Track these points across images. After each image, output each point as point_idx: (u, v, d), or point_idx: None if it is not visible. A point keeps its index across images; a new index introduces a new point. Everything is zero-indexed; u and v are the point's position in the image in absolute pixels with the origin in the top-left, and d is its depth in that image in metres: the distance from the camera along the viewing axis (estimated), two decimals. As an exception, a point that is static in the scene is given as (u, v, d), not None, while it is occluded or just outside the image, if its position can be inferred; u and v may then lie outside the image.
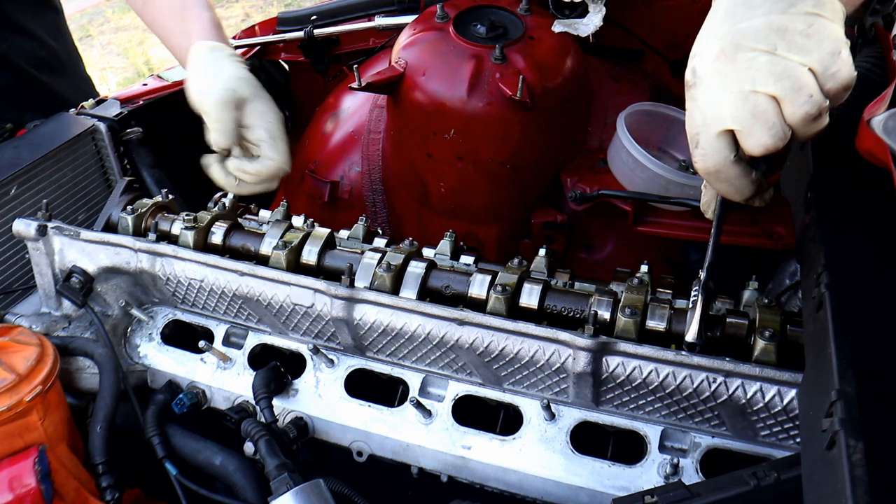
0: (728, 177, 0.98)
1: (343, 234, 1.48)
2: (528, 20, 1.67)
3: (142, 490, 1.40)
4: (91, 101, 1.94)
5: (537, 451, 1.22)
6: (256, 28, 2.34)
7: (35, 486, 1.14)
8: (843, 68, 0.89)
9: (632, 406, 1.18)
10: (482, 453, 1.24)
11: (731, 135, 0.94)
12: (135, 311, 1.48)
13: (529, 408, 1.25)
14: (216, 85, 1.42)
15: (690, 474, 1.15)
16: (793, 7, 0.88)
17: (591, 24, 1.68)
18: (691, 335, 1.08)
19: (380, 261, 1.30)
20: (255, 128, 1.45)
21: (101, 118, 1.85)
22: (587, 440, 1.22)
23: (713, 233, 1.10)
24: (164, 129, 2.04)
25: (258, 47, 2.25)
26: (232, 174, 1.49)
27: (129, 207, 1.46)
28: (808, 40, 0.87)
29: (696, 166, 0.99)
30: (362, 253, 1.34)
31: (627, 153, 1.58)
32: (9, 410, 1.14)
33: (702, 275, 1.10)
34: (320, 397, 1.35)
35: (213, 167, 1.50)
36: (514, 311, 1.22)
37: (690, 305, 1.10)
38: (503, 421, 1.32)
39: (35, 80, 2.23)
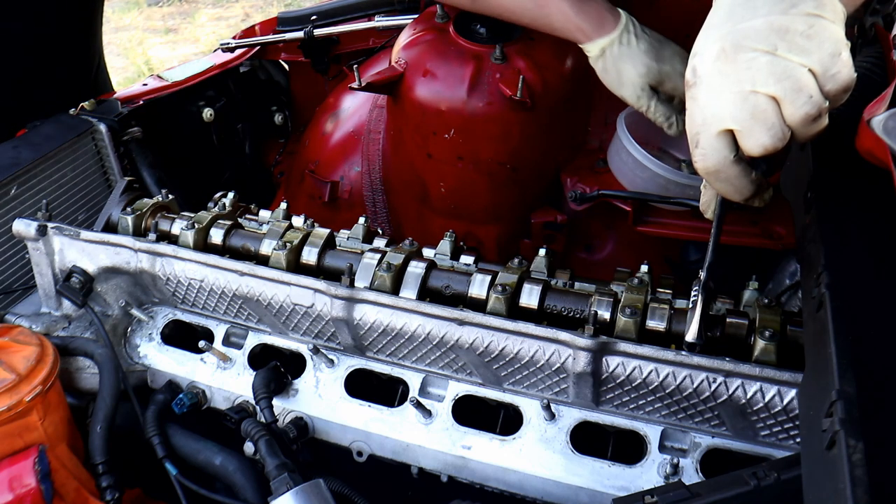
0: (728, 177, 0.98)
1: (343, 234, 1.48)
2: (528, 20, 1.67)
3: (142, 490, 1.40)
4: (91, 101, 1.94)
5: (537, 451, 1.22)
6: (256, 28, 2.34)
7: (35, 486, 1.14)
8: (844, 70, 0.89)
9: (632, 406, 1.18)
10: (482, 453, 1.24)
11: (731, 135, 0.94)
12: (135, 311, 1.48)
13: (529, 408, 1.25)
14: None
15: (690, 474, 1.15)
16: (794, 8, 0.88)
17: (591, 24, 1.67)
18: (691, 335, 1.08)
19: (380, 261, 1.30)
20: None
21: (101, 118, 1.85)
22: (587, 440, 1.22)
23: (713, 233, 1.10)
24: (164, 129, 2.04)
25: (258, 47, 2.25)
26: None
27: (129, 207, 1.46)
28: (808, 41, 0.87)
29: (696, 166, 0.99)
30: (362, 253, 1.34)
31: (627, 153, 1.58)
32: (9, 410, 1.14)
33: (702, 275, 1.10)
34: (320, 397, 1.35)
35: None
36: (514, 311, 1.22)
37: (690, 305, 1.10)
38: (503, 421, 1.32)
39: None
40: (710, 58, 0.93)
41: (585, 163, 1.72)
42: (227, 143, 2.25)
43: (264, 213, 1.58)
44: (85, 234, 1.41)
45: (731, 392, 1.08)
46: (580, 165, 1.71)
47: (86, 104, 1.92)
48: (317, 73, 2.30)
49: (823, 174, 1.11)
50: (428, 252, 1.41)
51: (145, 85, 2.08)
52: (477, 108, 1.57)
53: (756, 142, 0.92)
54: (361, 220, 1.49)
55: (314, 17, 2.19)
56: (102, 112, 1.89)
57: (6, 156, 1.66)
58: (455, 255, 1.41)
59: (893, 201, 0.94)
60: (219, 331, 1.46)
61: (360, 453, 1.32)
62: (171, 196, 1.57)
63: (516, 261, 1.32)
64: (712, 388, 1.09)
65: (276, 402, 1.34)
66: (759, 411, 1.08)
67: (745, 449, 1.16)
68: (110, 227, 1.48)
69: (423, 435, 1.27)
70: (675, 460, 1.15)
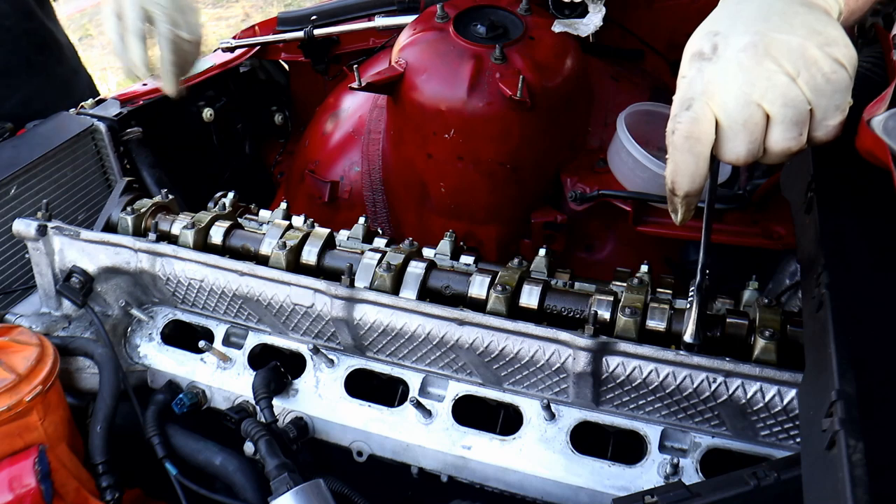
0: (700, 153, 0.91)
1: (343, 234, 1.48)
2: (528, 20, 1.67)
3: (142, 490, 1.40)
4: (91, 101, 1.94)
5: (537, 451, 1.22)
6: (256, 28, 2.33)
7: (35, 486, 1.14)
8: (836, 126, 0.89)
9: (632, 406, 1.18)
10: (482, 453, 1.24)
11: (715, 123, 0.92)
12: (135, 311, 1.48)
13: (529, 408, 1.25)
14: None
15: (690, 474, 1.15)
16: (828, 46, 0.87)
17: (591, 24, 1.68)
18: (689, 335, 1.08)
19: (380, 261, 1.30)
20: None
21: (101, 118, 1.85)
22: (587, 440, 1.22)
23: (704, 234, 1.09)
24: (164, 129, 2.04)
25: (258, 47, 2.25)
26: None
27: (129, 207, 1.46)
28: (826, 84, 0.87)
29: (680, 127, 0.91)
30: (362, 253, 1.34)
31: (627, 153, 1.58)
32: (9, 410, 1.14)
33: (698, 275, 1.10)
34: (320, 397, 1.35)
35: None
36: (514, 311, 1.22)
37: (688, 306, 1.10)
38: (503, 421, 1.32)
39: None
40: (736, 45, 0.90)
41: (585, 163, 1.72)
42: (227, 143, 2.25)
43: (264, 213, 1.58)
44: (85, 234, 1.41)
45: (731, 392, 1.08)
46: (580, 165, 1.71)
47: (86, 104, 1.91)
48: (317, 73, 2.30)
49: (823, 174, 1.11)
50: (428, 252, 1.41)
51: (145, 85, 2.07)
52: (477, 108, 1.57)
53: (732, 149, 0.91)
54: (361, 220, 1.49)
55: (314, 17, 2.18)
56: (102, 112, 1.88)
57: (6, 156, 1.66)
58: (455, 255, 1.41)
59: (893, 201, 0.94)
60: (219, 331, 1.46)
61: (360, 453, 1.32)
62: (171, 196, 1.57)
63: (516, 261, 1.32)
64: (712, 388, 1.09)
65: (276, 402, 1.34)
66: (759, 411, 1.08)
67: (745, 449, 1.16)
68: (110, 227, 1.48)
69: (423, 435, 1.27)
70: (675, 460, 1.15)
